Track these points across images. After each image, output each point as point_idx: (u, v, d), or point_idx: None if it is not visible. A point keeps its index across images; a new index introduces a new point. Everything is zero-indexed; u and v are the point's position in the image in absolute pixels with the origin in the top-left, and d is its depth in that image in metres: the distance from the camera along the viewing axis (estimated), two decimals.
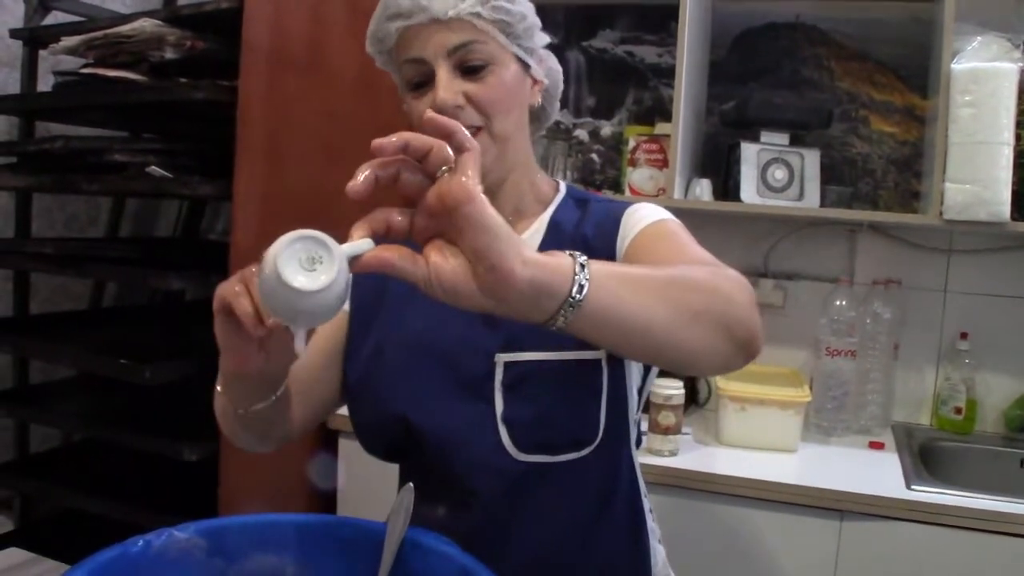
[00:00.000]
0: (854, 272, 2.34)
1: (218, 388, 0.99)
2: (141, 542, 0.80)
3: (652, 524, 1.23)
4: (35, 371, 2.40)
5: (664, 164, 2.24)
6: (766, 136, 2.20)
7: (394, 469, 1.23)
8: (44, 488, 2.17)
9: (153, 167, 1.89)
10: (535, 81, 1.15)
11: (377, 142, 0.75)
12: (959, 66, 1.94)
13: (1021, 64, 1.95)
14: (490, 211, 0.71)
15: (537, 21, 1.13)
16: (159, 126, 2.36)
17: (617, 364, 1.09)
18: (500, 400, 1.07)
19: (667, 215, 1.13)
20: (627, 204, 1.18)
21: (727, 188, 2.25)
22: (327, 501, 2.13)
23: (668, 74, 2.40)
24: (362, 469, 2.10)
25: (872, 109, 2.34)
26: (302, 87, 1.98)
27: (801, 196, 2.19)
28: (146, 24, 1.85)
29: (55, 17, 2.30)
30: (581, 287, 0.74)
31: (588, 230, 1.15)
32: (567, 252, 0.77)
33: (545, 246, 1.13)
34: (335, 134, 2.11)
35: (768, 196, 2.17)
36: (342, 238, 0.76)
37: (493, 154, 1.10)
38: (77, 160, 1.99)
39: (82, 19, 2.28)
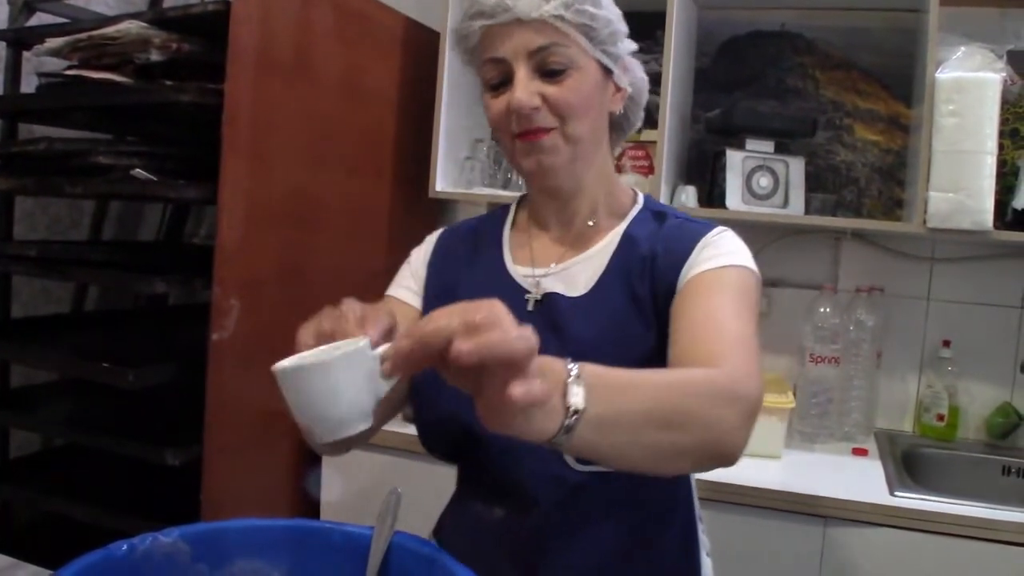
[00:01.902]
0: (838, 279, 2.35)
1: None
2: (125, 546, 0.80)
3: (703, 536, 1.25)
4: (15, 375, 2.38)
5: (650, 171, 2.24)
6: (751, 144, 2.20)
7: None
8: (24, 493, 2.16)
9: (138, 170, 1.88)
10: (617, 88, 1.16)
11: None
12: (943, 76, 1.96)
13: (1004, 74, 1.96)
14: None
15: (623, 28, 1.14)
16: (144, 129, 2.35)
17: None
18: None
19: (739, 259, 1.09)
20: (708, 227, 1.15)
21: (712, 195, 2.25)
22: (311, 506, 2.12)
23: (654, 81, 2.39)
24: (346, 474, 2.09)
25: (856, 117, 2.35)
26: (288, 91, 1.98)
27: (786, 203, 2.20)
28: (131, 26, 1.84)
29: (39, 19, 2.29)
30: (569, 429, 0.76)
31: (659, 248, 1.13)
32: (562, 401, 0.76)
33: (617, 259, 1.14)
34: (320, 138, 2.10)
35: (753, 203, 2.18)
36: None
37: (566, 155, 1.11)
38: (61, 162, 1.98)
39: (67, 21, 2.26)
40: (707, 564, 1.24)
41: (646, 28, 2.49)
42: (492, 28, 1.08)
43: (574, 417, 0.75)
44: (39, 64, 2.19)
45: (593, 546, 1.10)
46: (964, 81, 1.93)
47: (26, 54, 2.23)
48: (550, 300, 1.13)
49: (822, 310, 2.21)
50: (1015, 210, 2.03)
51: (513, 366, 0.69)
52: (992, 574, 1.68)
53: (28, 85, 2.25)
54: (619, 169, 2.29)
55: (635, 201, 1.22)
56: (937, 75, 1.97)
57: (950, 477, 2.10)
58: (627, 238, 1.16)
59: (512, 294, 1.15)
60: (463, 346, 0.68)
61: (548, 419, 0.74)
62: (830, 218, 2.23)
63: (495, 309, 0.71)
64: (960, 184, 1.92)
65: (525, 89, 1.07)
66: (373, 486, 2.04)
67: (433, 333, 0.70)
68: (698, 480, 1.84)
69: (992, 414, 2.23)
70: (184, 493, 1.85)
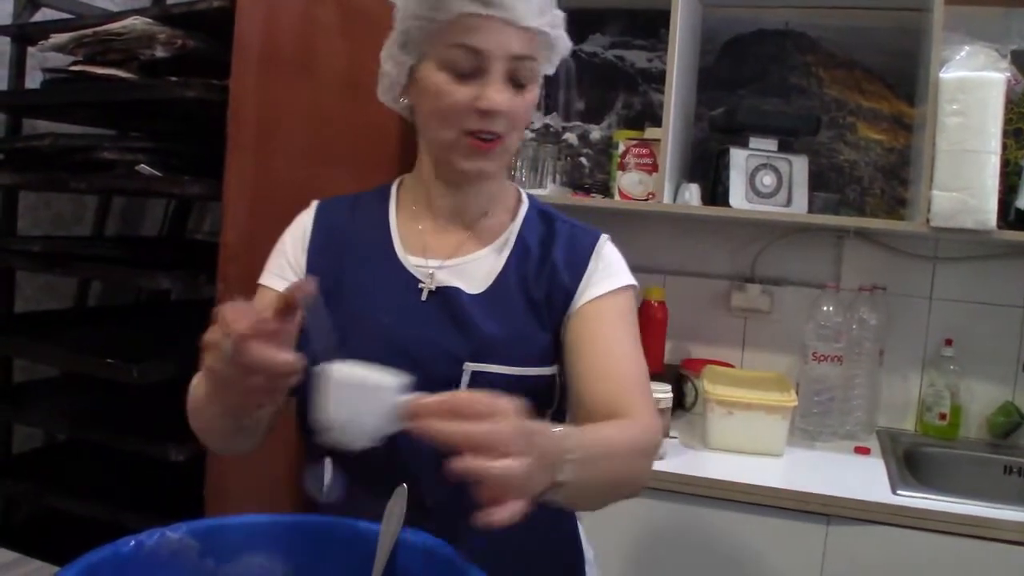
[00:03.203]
0: (840, 278, 2.35)
1: (196, 395, 1.03)
2: (133, 542, 0.80)
3: (587, 546, 1.32)
4: (18, 370, 2.38)
5: (654, 168, 2.25)
6: (755, 142, 2.21)
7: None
8: (27, 489, 2.16)
9: (142, 166, 1.88)
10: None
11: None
12: (947, 75, 1.96)
13: (1008, 74, 1.96)
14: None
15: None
16: (148, 125, 2.34)
17: (564, 381, 1.15)
18: None
19: (625, 278, 1.19)
20: (594, 235, 1.22)
21: (716, 193, 2.26)
22: (314, 502, 2.12)
23: (658, 79, 2.41)
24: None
25: (860, 116, 2.35)
26: (293, 87, 1.97)
27: (789, 202, 2.20)
28: (136, 22, 1.84)
29: (44, 14, 2.28)
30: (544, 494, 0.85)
31: (559, 256, 1.18)
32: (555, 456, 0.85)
33: (514, 260, 1.17)
34: (325, 135, 2.10)
35: (756, 201, 2.18)
36: None
37: (500, 163, 1.15)
38: (65, 158, 1.97)
39: (71, 16, 2.26)
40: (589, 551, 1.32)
41: (651, 26, 2.50)
42: (480, 17, 1.05)
43: (555, 487, 0.84)
44: (43, 60, 2.19)
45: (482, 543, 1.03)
46: (968, 80, 1.93)
47: (31, 50, 2.22)
48: (447, 293, 1.14)
49: (825, 308, 2.21)
50: (1018, 210, 2.03)
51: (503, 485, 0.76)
52: (993, 573, 1.69)
53: (32, 81, 2.25)
54: (623, 167, 2.29)
55: (520, 199, 1.25)
56: (941, 74, 1.97)
57: (952, 476, 2.10)
58: (522, 240, 1.20)
59: (404, 283, 1.15)
60: (471, 463, 0.74)
61: (530, 489, 0.80)
62: (833, 217, 2.23)
63: (517, 436, 0.77)
64: (963, 183, 1.92)
65: (501, 92, 1.07)
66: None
67: (457, 432, 0.75)
68: (700, 479, 1.85)
69: (994, 413, 2.23)
70: (187, 489, 1.85)
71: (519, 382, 1.11)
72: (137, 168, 1.88)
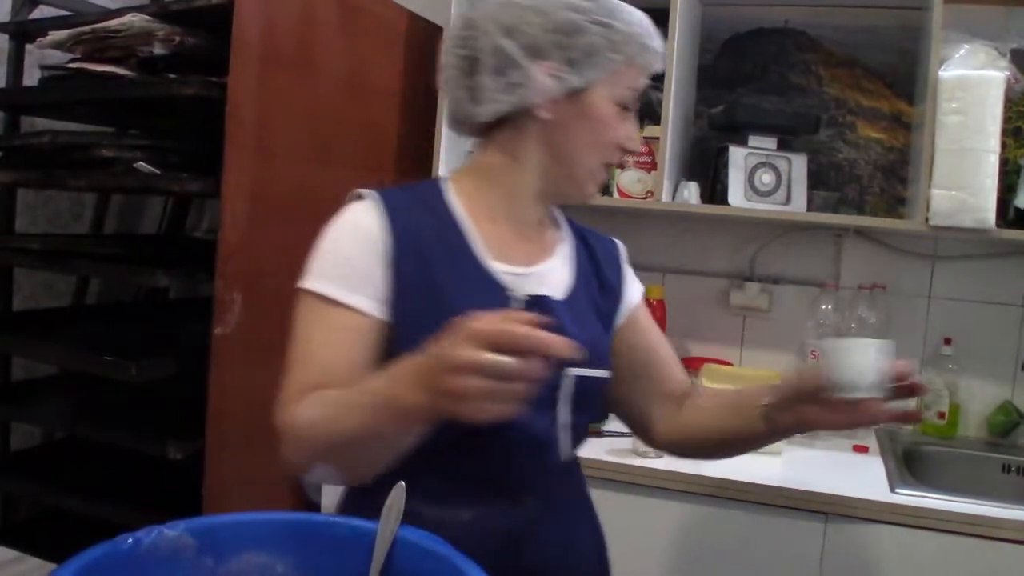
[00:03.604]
0: (840, 276, 2.35)
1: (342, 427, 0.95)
2: (130, 540, 0.80)
3: None
4: (17, 368, 2.38)
5: (653, 167, 2.24)
6: (754, 140, 2.20)
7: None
8: (26, 487, 2.16)
9: (141, 163, 1.88)
10: None
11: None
12: (946, 73, 1.96)
13: (1007, 72, 1.96)
14: None
15: None
16: (147, 122, 2.35)
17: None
18: (563, 408, 1.13)
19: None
20: (612, 240, 1.33)
21: (714, 191, 2.25)
22: (311, 499, 2.12)
23: (657, 77, 2.40)
24: None
25: (859, 115, 2.35)
26: (292, 84, 1.97)
27: (788, 200, 2.20)
28: (135, 19, 1.84)
29: (42, 11, 2.28)
30: None
31: (600, 261, 1.27)
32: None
33: (579, 266, 1.23)
34: (324, 132, 2.10)
35: (755, 200, 2.18)
36: None
37: None
38: (63, 155, 1.97)
39: (70, 14, 2.26)
40: None
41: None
42: (648, 68, 1.16)
43: None
44: (42, 57, 2.19)
45: (569, 527, 1.20)
46: (967, 79, 1.93)
47: (29, 47, 2.22)
48: (540, 301, 1.12)
49: (824, 307, 2.21)
50: (1017, 208, 2.03)
51: None
52: (992, 571, 1.69)
53: (31, 78, 2.25)
54: (621, 166, 2.29)
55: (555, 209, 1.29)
56: (940, 73, 1.97)
57: (950, 474, 2.10)
58: (575, 248, 1.25)
59: (493, 289, 1.12)
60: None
61: None
62: (832, 215, 2.23)
63: None
64: (962, 182, 1.92)
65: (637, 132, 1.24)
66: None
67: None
68: (699, 477, 1.84)
69: (993, 412, 2.23)
70: (186, 487, 1.85)
71: (604, 384, 1.20)
72: (135, 166, 1.88)
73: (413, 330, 1.02)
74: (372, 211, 1.12)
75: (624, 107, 1.14)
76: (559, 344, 0.80)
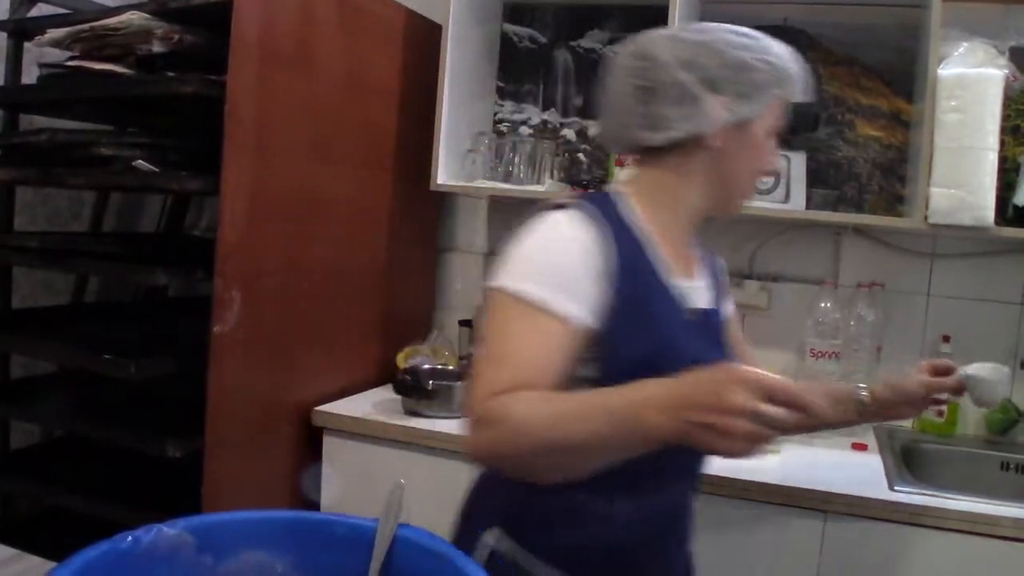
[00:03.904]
0: (838, 274, 2.35)
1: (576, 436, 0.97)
2: (130, 538, 0.80)
3: None
4: (16, 366, 2.38)
5: None
6: None
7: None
8: (25, 485, 2.16)
9: (140, 161, 1.88)
10: None
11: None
12: (945, 72, 1.96)
13: (1006, 70, 1.96)
14: None
15: None
16: (146, 120, 2.34)
17: None
18: None
19: None
20: (716, 257, 1.44)
21: None
22: (310, 498, 2.12)
23: None
24: (345, 466, 2.09)
25: (858, 113, 2.35)
26: (291, 83, 1.97)
27: (787, 198, 2.20)
28: (133, 17, 1.84)
29: (40, 9, 2.28)
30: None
31: (722, 275, 1.44)
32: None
33: (714, 279, 1.37)
34: (323, 130, 2.10)
35: (754, 198, 2.18)
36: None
37: None
38: (62, 153, 1.97)
39: (68, 11, 2.26)
40: None
41: (649, 22, 2.48)
42: (794, 97, 1.28)
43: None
44: (40, 55, 2.19)
45: (688, 523, 1.39)
46: (966, 77, 1.93)
47: (27, 45, 2.22)
48: (706, 314, 1.29)
49: (823, 305, 2.21)
50: (1016, 206, 2.03)
51: None
52: (991, 569, 1.69)
53: (29, 76, 2.25)
54: (620, 163, 2.29)
55: None
56: (939, 71, 1.97)
57: (949, 472, 2.10)
58: (707, 258, 1.39)
59: (674, 306, 1.23)
60: None
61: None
62: (831, 213, 2.23)
63: None
64: (961, 180, 1.92)
65: None
66: (374, 479, 2.04)
67: None
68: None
69: (992, 410, 2.23)
70: (185, 485, 1.85)
71: None
72: (134, 164, 1.88)
73: (624, 343, 1.13)
74: (586, 226, 1.15)
75: (774, 135, 1.27)
76: (819, 405, 0.91)
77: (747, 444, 0.86)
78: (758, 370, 0.88)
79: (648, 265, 1.20)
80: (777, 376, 0.88)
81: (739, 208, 1.32)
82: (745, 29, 1.25)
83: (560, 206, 1.19)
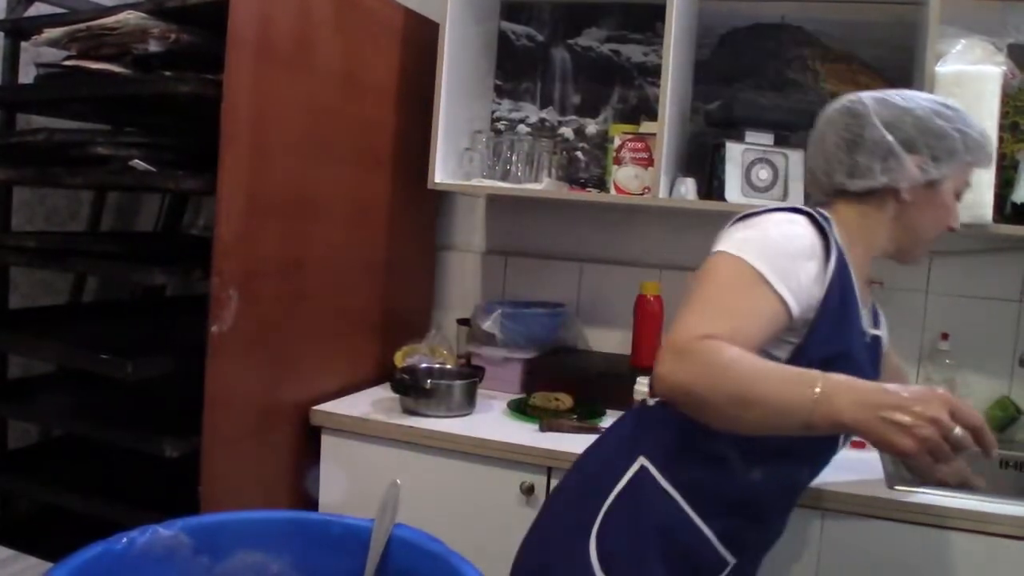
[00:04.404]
0: None
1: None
2: (125, 539, 0.80)
3: None
4: (14, 366, 2.38)
5: (649, 163, 2.24)
6: (751, 136, 2.20)
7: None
8: (23, 485, 2.15)
9: (137, 161, 1.88)
10: None
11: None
12: (943, 69, 1.96)
13: (1004, 68, 1.96)
14: None
15: None
16: (142, 120, 2.34)
17: None
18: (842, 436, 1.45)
19: None
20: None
21: (711, 187, 2.25)
22: (310, 498, 2.12)
23: (654, 73, 2.41)
24: (345, 467, 2.09)
25: None
26: (288, 82, 1.97)
27: (785, 196, 2.20)
28: (130, 17, 1.84)
29: (37, 8, 2.28)
30: None
31: (876, 308, 1.60)
32: None
33: (875, 317, 1.56)
34: (320, 129, 2.10)
35: (752, 196, 2.18)
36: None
37: None
38: (59, 153, 1.97)
39: (65, 11, 2.26)
40: None
41: (646, 20, 2.49)
42: (980, 165, 1.45)
43: None
44: (37, 54, 2.19)
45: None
46: (964, 74, 1.93)
47: (24, 44, 2.22)
48: (876, 342, 1.50)
49: None
50: (1014, 204, 2.03)
51: None
52: (989, 567, 1.69)
53: (26, 75, 2.25)
54: (618, 162, 2.29)
55: None
56: (937, 68, 1.96)
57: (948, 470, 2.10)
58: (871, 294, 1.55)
59: (860, 329, 1.41)
60: None
61: None
62: None
63: None
64: None
65: None
66: (372, 479, 2.04)
67: None
68: None
69: (990, 407, 2.23)
70: (183, 485, 1.85)
71: None
72: (131, 163, 1.88)
73: (820, 340, 1.29)
74: (816, 229, 1.33)
75: (959, 196, 1.44)
76: (990, 441, 1.04)
77: (924, 448, 0.99)
78: (951, 396, 1.02)
79: (850, 281, 1.35)
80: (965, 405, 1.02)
81: (918, 258, 1.50)
82: (946, 100, 1.42)
83: (795, 209, 1.36)
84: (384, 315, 2.44)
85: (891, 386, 1.05)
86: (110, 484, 2.07)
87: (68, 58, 1.98)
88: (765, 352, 1.25)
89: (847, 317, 1.34)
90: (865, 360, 1.41)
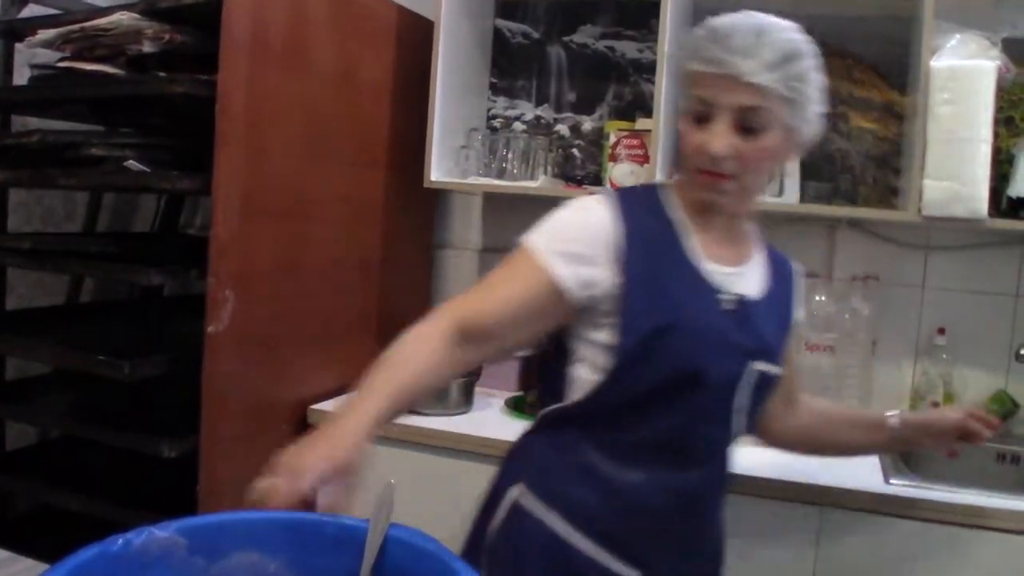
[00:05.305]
0: (833, 268, 2.35)
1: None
2: (121, 541, 0.79)
3: None
4: (10, 367, 2.38)
5: (645, 160, 2.24)
6: None
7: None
8: (21, 486, 2.16)
9: (131, 161, 1.88)
10: (797, 143, 1.31)
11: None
12: (938, 63, 1.96)
13: (999, 62, 1.96)
14: None
15: (819, 96, 1.29)
16: (137, 120, 2.34)
17: None
18: (742, 395, 1.31)
19: None
20: (790, 261, 1.50)
21: None
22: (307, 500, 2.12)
23: (649, 69, 2.40)
24: None
25: (852, 106, 2.35)
26: (282, 81, 1.97)
27: (780, 192, 2.20)
28: (124, 17, 1.84)
29: (31, 10, 2.28)
30: None
31: (786, 276, 1.45)
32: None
33: (774, 274, 1.41)
34: (315, 128, 2.10)
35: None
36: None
37: (736, 200, 1.29)
38: (54, 154, 1.97)
39: (59, 12, 2.25)
40: None
41: (641, 16, 2.49)
42: (707, 74, 1.21)
43: None
44: (31, 56, 2.18)
45: (718, 504, 1.40)
46: (959, 69, 1.93)
47: (18, 45, 2.22)
48: (742, 301, 1.32)
49: (817, 298, 2.21)
50: (1010, 198, 2.03)
51: None
52: (986, 561, 1.69)
53: (20, 77, 2.24)
54: (614, 159, 2.29)
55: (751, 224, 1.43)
56: (932, 63, 1.96)
57: (945, 465, 2.10)
58: (769, 258, 1.42)
59: (707, 290, 1.29)
60: None
61: None
62: (825, 206, 2.23)
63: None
64: (955, 172, 1.92)
65: (721, 140, 1.21)
66: (368, 478, 2.04)
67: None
68: None
69: (987, 401, 2.23)
70: (180, 485, 1.85)
71: (775, 381, 1.37)
72: (126, 164, 1.88)
73: (636, 319, 1.24)
74: (607, 209, 1.28)
75: (692, 116, 1.25)
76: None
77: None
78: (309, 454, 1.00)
79: (671, 248, 1.29)
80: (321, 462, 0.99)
81: (702, 196, 1.29)
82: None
83: (591, 193, 1.34)
84: (380, 313, 2.44)
85: (324, 431, 1.05)
86: (108, 484, 2.07)
87: (62, 59, 1.98)
88: (586, 338, 1.28)
89: (665, 288, 1.26)
90: (720, 322, 1.28)
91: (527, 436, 1.41)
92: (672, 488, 1.30)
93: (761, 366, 1.32)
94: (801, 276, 1.50)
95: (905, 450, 1.76)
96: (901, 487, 1.76)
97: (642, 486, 1.28)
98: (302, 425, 2.12)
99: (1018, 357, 2.12)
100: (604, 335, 1.26)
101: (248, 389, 1.96)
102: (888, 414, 1.56)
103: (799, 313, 1.47)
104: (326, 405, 2.15)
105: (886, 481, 1.79)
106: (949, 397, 2.22)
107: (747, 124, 1.21)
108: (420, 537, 0.85)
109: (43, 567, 1.16)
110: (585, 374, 1.29)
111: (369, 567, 0.83)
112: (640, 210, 1.30)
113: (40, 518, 2.34)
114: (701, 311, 1.27)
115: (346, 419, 1.06)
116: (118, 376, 1.82)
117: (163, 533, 0.82)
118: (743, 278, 1.34)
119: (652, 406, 1.27)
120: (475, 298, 1.26)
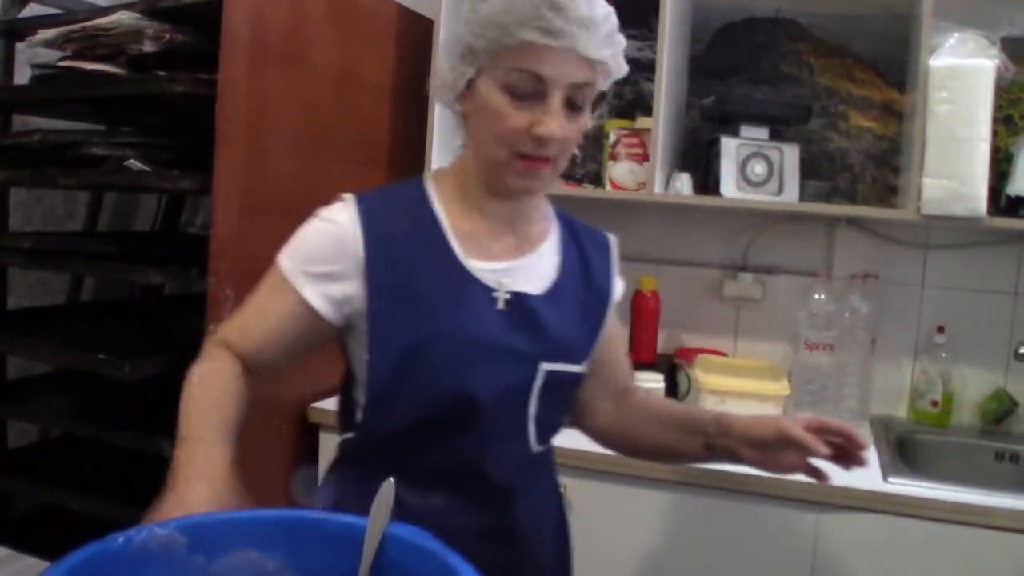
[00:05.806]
0: (832, 266, 2.35)
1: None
2: (121, 539, 0.80)
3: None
4: (12, 367, 2.38)
5: (645, 158, 2.24)
6: (746, 131, 2.20)
7: None
8: (22, 484, 2.16)
9: (132, 161, 1.88)
10: None
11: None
12: (937, 62, 1.96)
13: (998, 61, 1.96)
14: None
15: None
16: (138, 120, 2.34)
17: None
18: (535, 402, 1.18)
19: None
20: (605, 235, 1.32)
21: (707, 182, 2.26)
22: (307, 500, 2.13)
23: (649, 68, 2.40)
24: None
25: (851, 104, 2.35)
26: (282, 80, 1.97)
27: (780, 190, 2.20)
28: (124, 17, 1.84)
29: (32, 9, 2.28)
30: None
31: (592, 258, 1.27)
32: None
33: (566, 260, 1.24)
34: (315, 127, 2.10)
35: (747, 190, 2.18)
36: None
37: (548, 182, 1.15)
38: (55, 153, 1.97)
39: (60, 11, 2.25)
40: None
41: (641, 15, 2.49)
42: (544, 47, 1.05)
43: None
44: (32, 55, 2.18)
45: (539, 505, 1.27)
46: (958, 68, 1.93)
47: (19, 45, 2.22)
48: (520, 299, 1.17)
49: (817, 297, 2.21)
50: (1009, 196, 2.03)
51: None
52: (986, 560, 1.69)
53: (21, 76, 2.24)
54: (614, 157, 2.29)
55: (543, 198, 1.28)
56: (931, 62, 1.97)
57: (944, 463, 2.11)
58: (563, 243, 1.25)
59: (471, 286, 1.15)
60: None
61: None
62: (825, 205, 2.23)
63: None
64: (954, 171, 1.92)
65: (557, 122, 1.07)
66: None
67: None
68: (695, 468, 1.85)
69: (986, 400, 2.24)
70: None
71: (578, 379, 1.24)
72: (126, 163, 1.88)
73: (388, 331, 1.13)
74: (349, 215, 1.16)
75: (514, 92, 1.07)
76: None
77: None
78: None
79: (431, 248, 1.15)
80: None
81: (509, 183, 1.13)
82: None
83: (340, 199, 1.19)
84: None
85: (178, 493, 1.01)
86: (109, 483, 2.07)
87: (63, 59, 1.99)
88: (360, 358, 1.17)
89: (421, 297, 1.13)
90: (490, 331, 1.14)
91: (329, 471, 1.30)
92: (474, 512, 1.18)
93: (553, 366, 1.18)
94: (616, 248, 1.32)
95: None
96: (900, 486, 1.76)
97: (446, 510, 1.15)
98: (303, 423, 2.12)
99: (1017, 355, 2.12)
100: (366, 353, 1.15)
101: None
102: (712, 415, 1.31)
103: (618, 290, 1.30)
104: (327, 403, 2.15)
105: (885, 479, 1.80)
106: (948, 396, 2.23)
107: (574, 102, 1.09)
108: (419, 535, 0.86)
109: (44, 565, 1.16)
110: (362, 398, 1.18)
111: (368, 565, 0.84)
112: (390, 210, 1.17)
113: (41, 517, 2.34)
114: (470, 317, 1.13)
115: (201, 477, 1.05)
116: (119, 375, 1.82)
117: (163, 531, 0.82)
118: (522, 272, 1.19)
119: (433, 430, 1.14)
120: (243, 328, 1.19)
